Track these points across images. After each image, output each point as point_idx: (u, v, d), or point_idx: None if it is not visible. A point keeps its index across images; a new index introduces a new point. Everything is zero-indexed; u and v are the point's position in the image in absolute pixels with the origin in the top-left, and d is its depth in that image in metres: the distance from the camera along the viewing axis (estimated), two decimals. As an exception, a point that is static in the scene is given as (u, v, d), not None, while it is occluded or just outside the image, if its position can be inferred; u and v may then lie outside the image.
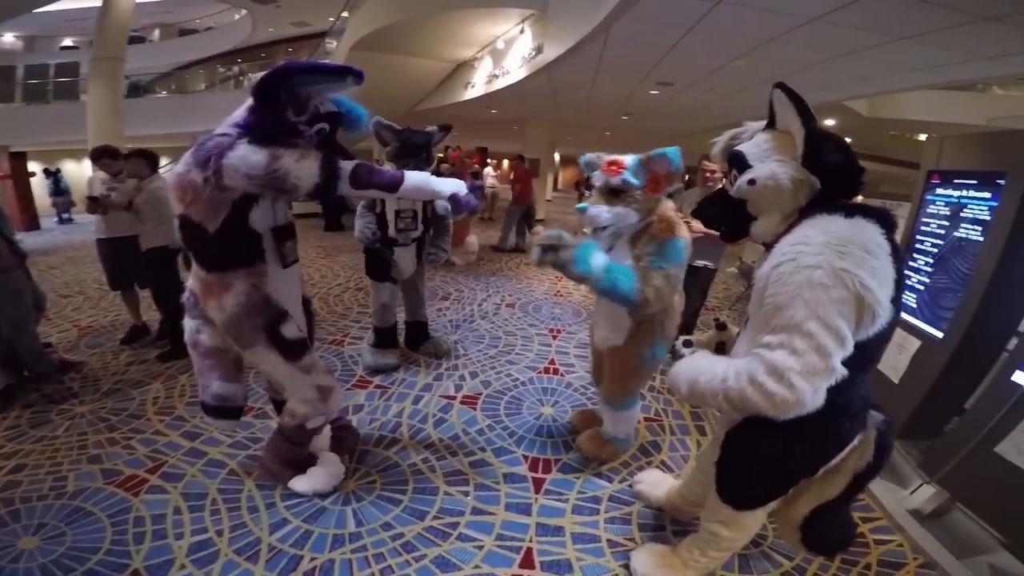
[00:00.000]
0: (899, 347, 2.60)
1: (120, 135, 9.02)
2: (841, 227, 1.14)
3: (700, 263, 3.71)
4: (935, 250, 2.58)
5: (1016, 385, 1.96)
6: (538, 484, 2.29)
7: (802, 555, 1.92)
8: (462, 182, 1.88)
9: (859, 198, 1.40)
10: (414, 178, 1.77)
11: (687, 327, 4.00)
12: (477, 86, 8.53)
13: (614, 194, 1.92)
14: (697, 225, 3.65)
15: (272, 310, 1.78)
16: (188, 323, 1.92)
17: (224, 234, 1.66)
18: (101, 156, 3.79)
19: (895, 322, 1.17)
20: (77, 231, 9.88)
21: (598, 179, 1.96)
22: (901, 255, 1.18)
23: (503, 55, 7.49)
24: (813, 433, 1.27)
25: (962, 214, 2.44)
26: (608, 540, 1.99)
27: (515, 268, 6.83)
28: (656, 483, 2.20)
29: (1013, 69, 4.75)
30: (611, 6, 4.10)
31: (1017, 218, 2.12)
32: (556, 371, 3.54)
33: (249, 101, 1.65)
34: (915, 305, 2.64)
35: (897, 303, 1.15)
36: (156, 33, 17.92)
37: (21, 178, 10.74)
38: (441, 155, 8.37)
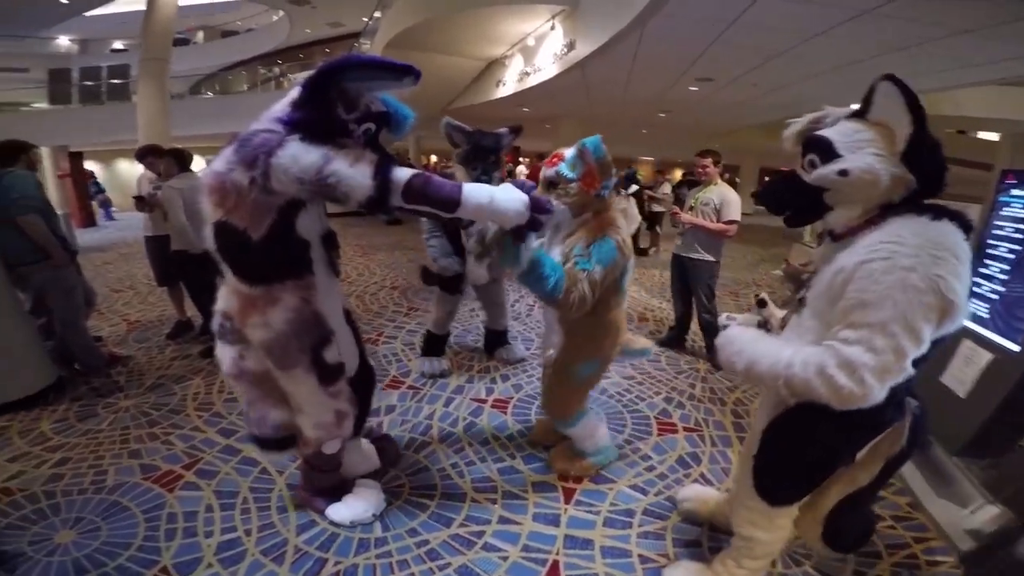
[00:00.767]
0: (966, 360, 2.39)
1: (168, 135, 9.40)
2: (933, 230, 1.14)
3: (697, 256, 3.56)
4: (1012, 256, 2.36)
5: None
6: (568, 494, 2.21)
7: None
8: (523, 195, 1.58)
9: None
10: (474, 196, 1.49)
11: (682, 322, 3.90)
12: (508, 84, 8.50)
13: (551, 187, 1.85)
14: (687, 216, 3.55)
15: (321, 330, 1.65)
16: (227, 352, 1.68)
17: (270, 242, 1.49)
18: (146, 155, 3.93)
19: None
20: (130, 228, 10.36)
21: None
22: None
23: (534, 52, 7.44)
24: (858, 419, 1.27)
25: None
26: (640, 555, 1.89)
27: (548, 268, 6.72)
28: (704, 499, 2.10)
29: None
30: (643, 3, 3.97)
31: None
32: None
33: (292, 94, 1.51)
34: (987, 315, 2.42)
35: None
36: (200, 35, 18.50)
37: (79, 177, 11.37)
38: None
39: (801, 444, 1.39)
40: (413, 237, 8.19)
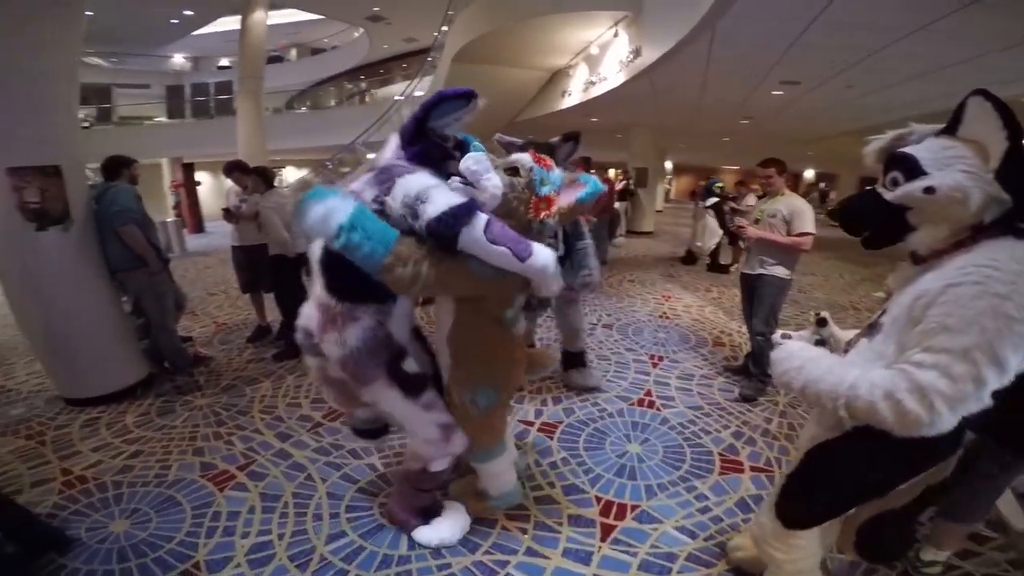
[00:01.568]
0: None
1: (264, 148, 10.27)
2: None
3: (765, 272, 3.19)
4: None
5: None
6: (607, 531, 2.09)
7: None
8: (551, 259, 1.60)
9: None
10: (540, 258, 1.55)
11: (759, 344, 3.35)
12: (574, 94, 8.40)
13: (514, 172, 1.65)
14: (753, 230, 3.21)
15: (394, 347, 1.71)
16: (313, 363, 1.88)
17: None
18: (232, 170, 4.28)
19: None
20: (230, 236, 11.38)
21: (525, 158, 1.69)
22: None
23: (598, 60, 7.31)
24: (915, 450, 1.21)
25: None
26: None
27: (616, 285, 6.45)
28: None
29: None
30: (708, 5, 3.75)
31: None
32: (651, 404, 3.20)
33: (393, 142, 1.76)
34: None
35: None
36: (293, 53, 19.82)
37: (191, 187, 12.71)
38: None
39: (845, 470, 1.35)
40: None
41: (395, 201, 1.54)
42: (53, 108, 2.83)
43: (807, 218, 3.10)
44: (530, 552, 1.98)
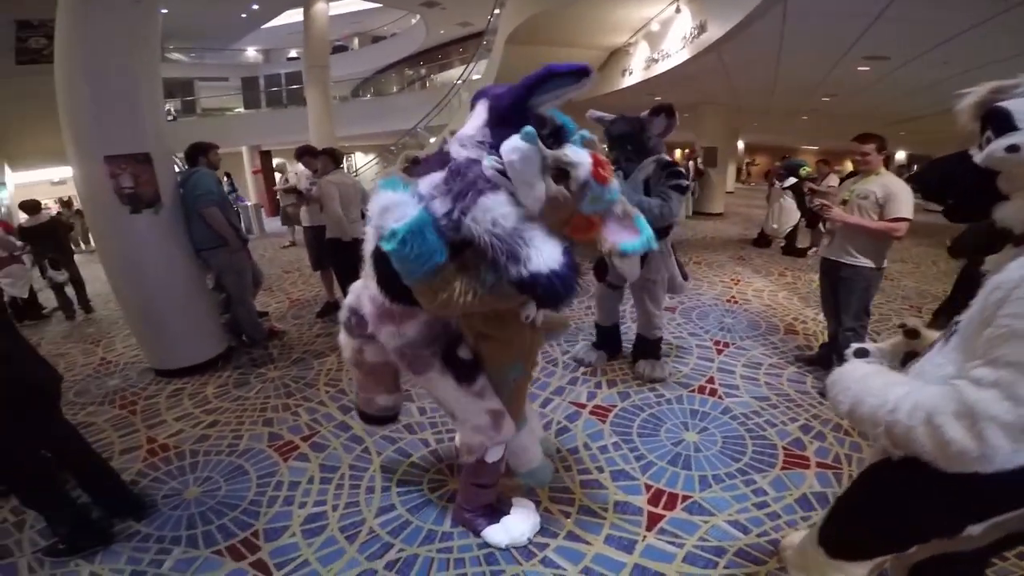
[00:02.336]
0: None
1: (332, 135, 10.74)
2: None
3: (851, 261, 2.88)
4: None
5: None
6: (653, 520, 2.04)
7: None
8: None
9: None
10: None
11: (836, 339, 3.10)
12: (635, 72, 8.15)
13: (561, 175, 1.38)
14: (839, 212, 2.89)
15: (452, 334, 1.72)
16: (349, 343, 1.87)
17: None
18: (303, 155, 4.55)
19: None
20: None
21: (582, 166, 1.38)
22: None
23: (660, 37, 7.05)
24: (982, 488, 0.99)
25: None
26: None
27: (681, 267, 6.29)
28: None
29: None
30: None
31: None
32: (713, 392, 3.06)
33: (480, 115, 1.48)
34: None
35: None
36: (356, 42, 20.29)
37: (268, 173, 13.57)
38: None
39: (892, 505, 1.14)
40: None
41: (478, 225, 1.33)
42: (140, 99, 3.08)
43: (904, 200, 2.74)
44: (571, 536, 1.97)
